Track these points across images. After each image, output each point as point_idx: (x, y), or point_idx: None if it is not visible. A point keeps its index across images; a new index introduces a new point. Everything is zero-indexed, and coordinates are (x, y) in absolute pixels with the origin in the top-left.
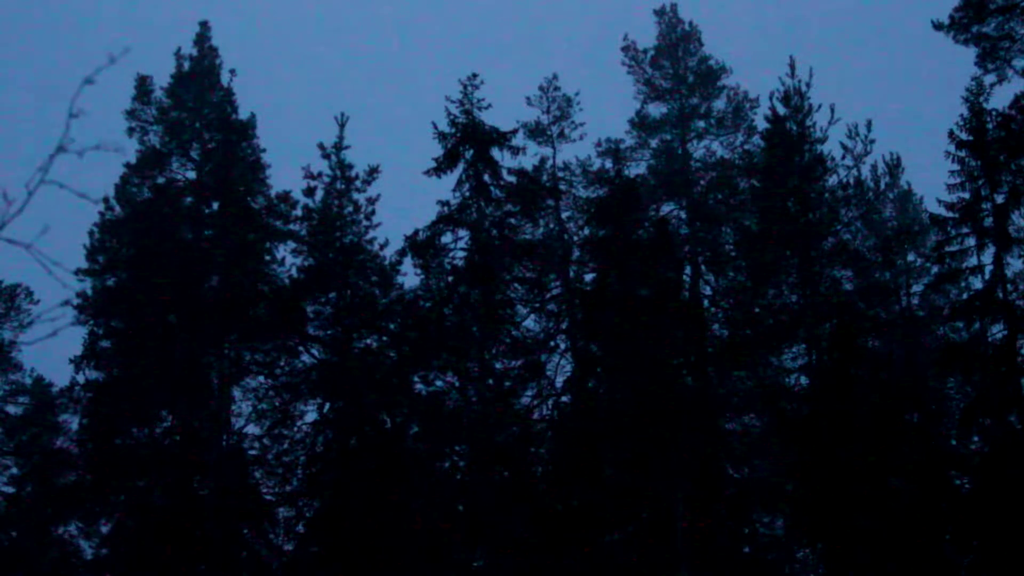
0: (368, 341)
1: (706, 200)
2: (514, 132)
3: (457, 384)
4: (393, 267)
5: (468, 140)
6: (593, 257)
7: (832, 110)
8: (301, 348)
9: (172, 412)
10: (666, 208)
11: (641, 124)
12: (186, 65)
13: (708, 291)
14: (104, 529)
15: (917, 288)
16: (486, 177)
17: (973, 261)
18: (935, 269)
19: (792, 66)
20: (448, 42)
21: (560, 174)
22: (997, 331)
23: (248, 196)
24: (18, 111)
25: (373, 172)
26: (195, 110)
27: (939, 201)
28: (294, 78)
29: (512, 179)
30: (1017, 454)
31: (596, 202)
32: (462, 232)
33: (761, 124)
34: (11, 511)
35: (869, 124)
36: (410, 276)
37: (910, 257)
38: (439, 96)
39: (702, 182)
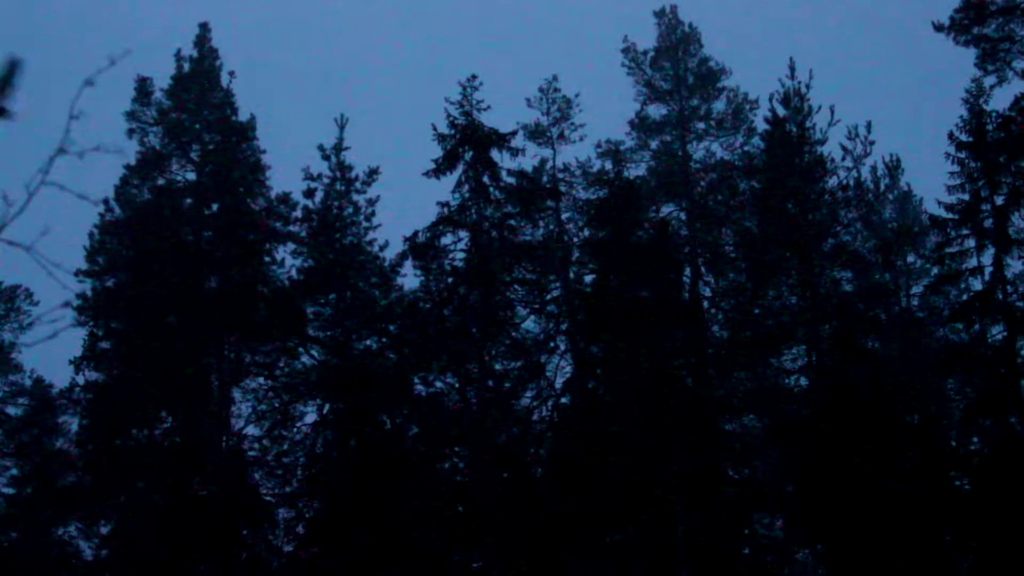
0: (368, 342)
1: (706, 201)
2: (514, 133)
3: (457, 385)
4: (393, 268)
5: (467, 141)
6: (593, 258)
7: (832, 111)
8: (301, 349)
9: (172, 413)
10: (666, 209)
11: (641, 125)
12: (186, 67)
13: (708, 292)
14: (104, 530)
15: (917, 289)
16: (485, 178)
17: (973, 262)
18: (935, 270)
19: (792, 68)
20: (448, 43)
21: (560, 175)
22: (997, 332)
23: (248, 197)
24: (18, 112)
25: (373, 173)
26: (195, 112)
27: (939, 202)
28: (294, 79)
29: (512, 180)
30: (1017, 455)
31: (596, 203)
32: (462, 233)
33: (761, 125)
34: (11, 512)
35: (869, 125)
36: (410, 277)
37: (910, 258)
38: (439, 97)
39: (702, 183)
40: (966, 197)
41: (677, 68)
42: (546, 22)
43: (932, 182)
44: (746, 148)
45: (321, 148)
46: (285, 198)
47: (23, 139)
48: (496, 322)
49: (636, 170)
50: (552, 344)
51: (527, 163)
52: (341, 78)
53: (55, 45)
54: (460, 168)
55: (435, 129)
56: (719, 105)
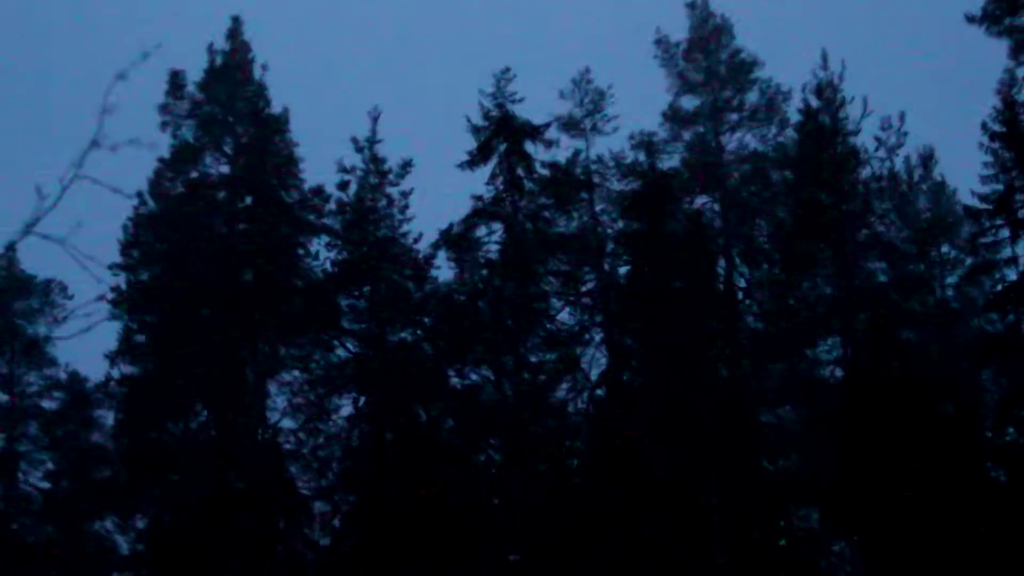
0: (403, 335)
1: (740, 193)
2: (547, 125)
3: (492, 378)
4: (427, 261)
5: (501, 133)
6: (627, 250)
7: (865, 102)
8: (336, 342)
9: (207, 407)
10: (700, 201)
11: (674, 117)
12: (218, 60)
13: (742, 283)
14: (140, 524)
15: (952, 280)
16: (519, 170)
17: (1007, 252)
18: (969, 260)
19: (824, 59)
20: (481, 34)
21: (593, 167)
22: None
23: (281, 190)
24: (51, 106)
25: (406, 166)
26: (228, 105)
27: (973, 193)
28: (327, 71)
29: (545, 172)
30: None
31: (630, 195)
32: (496, 225)
33: (794, 117)
34: (47, 506)
35: (902, 116)
36: (444, 270)
37: (944, 249)
38: (472, 89)
39: (736, 175)
40: (1000, 187)
41: (709, 60)
42: (578, 12)
43: (966, 172)
44: (779, 139)
45: (354, 140)
46: (319, 191)
47: (56, 132)
48: (531, 314)
49: (669, 161)
50: (587, 336)
51: (561, 155)
52: (375, 70)
53: (86, 39)
54: (494, 160)
55: (469, 121)
56: (752, 96)
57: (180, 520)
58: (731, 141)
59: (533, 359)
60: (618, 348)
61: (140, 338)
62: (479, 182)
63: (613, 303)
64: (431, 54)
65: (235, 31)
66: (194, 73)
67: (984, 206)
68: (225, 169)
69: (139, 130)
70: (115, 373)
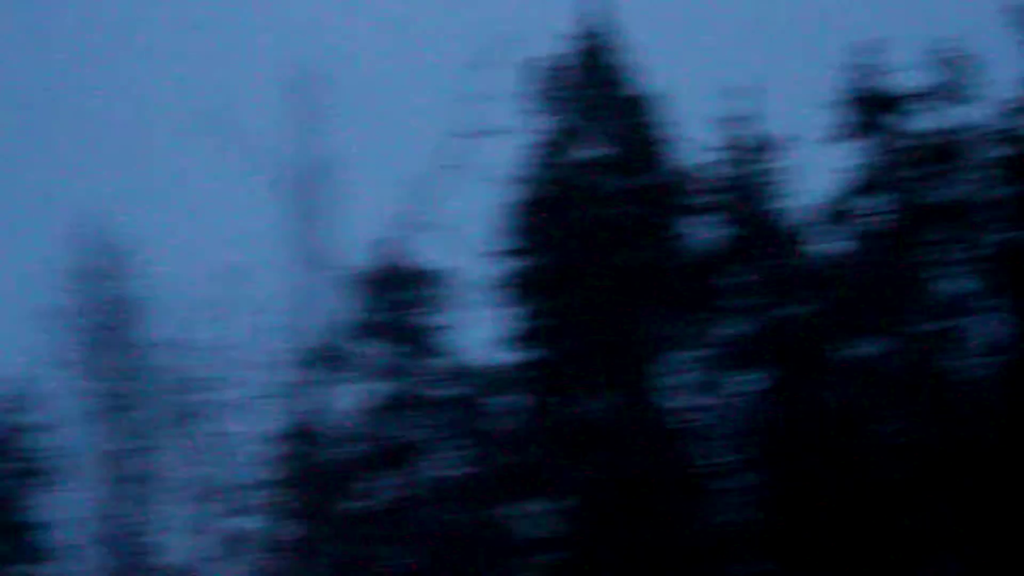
0: (790, 310)
1: None
2: (921, 94)
3: (885, 350)
4: (809, 235)
5: (874, 104)
6: (1010, 216)
7: None
8: (725, 319)
9: (604, 389)
10: None
11: None
12: (592, 42)
13: None
14: (548, 508)
15: None
16: (896, 141)
17: None
18: None
19: None
20: (846, 7)
21: (971, 134)
22: None
23: (660, 169)
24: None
25: (785, 141)
26: (605, 86)
27: None
28: (696, 47)
29: (923, 141)
30: None
31: (1010, 160)
32: (876, 197)
33: None
34: (455, 493)
35: None
36: (827, 244)
37: None
38: (842, 60)
39: None
40: None
41: None
42: None
43: None
44: None
45: (731, 117)
46: (698, 169)
47: (434, 124)
48: (917, 283)
49: None
50: (975, 304)
51: (937, 123)
52: (742, 44)
53: (445, 29)
54: (869, 131)
55: (842, 93)
56: None
57: (589, 502)
58: None
59: (921, 329)
60: (1009, 316)
61: (536, 322)
62: (856, 155)
63: (1000, 270)
64: (796, 28)
65: (607, 13)
66: (567, 58)
67: None
68: (604, 151)
69: (512, 117)
70: (513, 359)
